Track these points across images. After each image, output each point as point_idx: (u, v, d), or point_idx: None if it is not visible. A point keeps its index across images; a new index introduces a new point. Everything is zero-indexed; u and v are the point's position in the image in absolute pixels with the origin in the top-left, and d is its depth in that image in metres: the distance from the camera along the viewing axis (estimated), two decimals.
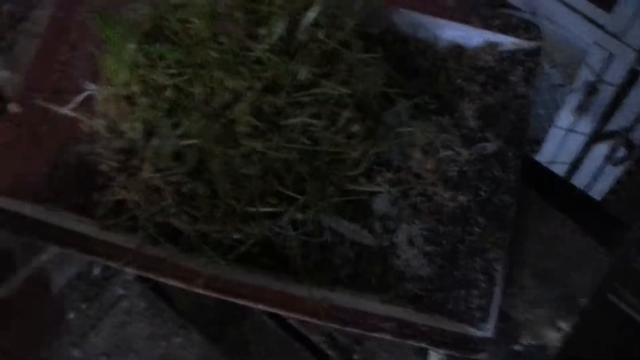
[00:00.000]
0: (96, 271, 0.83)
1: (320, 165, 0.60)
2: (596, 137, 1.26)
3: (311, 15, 0.62)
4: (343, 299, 0.61)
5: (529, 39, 0.68)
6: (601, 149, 1.26)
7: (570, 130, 1.26)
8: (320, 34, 0.62)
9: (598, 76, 1.18)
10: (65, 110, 0.67)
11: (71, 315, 0.75)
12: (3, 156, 0.66)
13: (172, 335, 0.72)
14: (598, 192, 1.30)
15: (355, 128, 0.60)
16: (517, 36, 0.68)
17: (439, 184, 0.65)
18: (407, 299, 0.62)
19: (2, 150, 0.66)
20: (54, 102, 0.67)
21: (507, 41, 0.69)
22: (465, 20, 0.69)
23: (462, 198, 0.65)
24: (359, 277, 0.63)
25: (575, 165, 1.31)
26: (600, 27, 1.12)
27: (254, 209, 0.59)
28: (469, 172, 0.66)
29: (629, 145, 1.21)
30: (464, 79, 0.69)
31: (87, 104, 0.67)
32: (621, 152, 1.23)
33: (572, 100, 1.23)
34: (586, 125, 1.24)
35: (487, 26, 0.69)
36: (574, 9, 1.13)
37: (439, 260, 0.63)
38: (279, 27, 0.61)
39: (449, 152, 0.66)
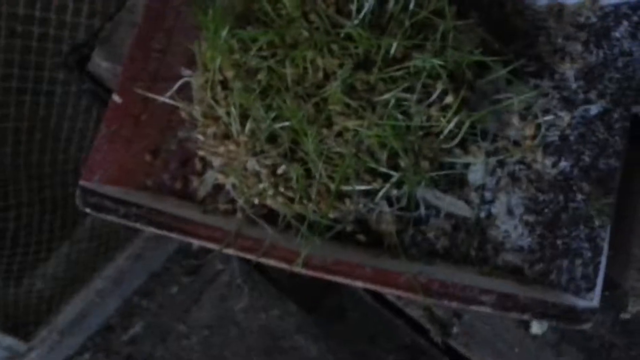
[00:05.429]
0: (195, 245, 0.85)
1: (414, 139, 0.59)
2: None
3: None
4: (440, 272, 0.61)
5: None
6: None
7: None
8: (412, 4, 0.60)
9: None
10: (164, 98, 0.69)
11: (174, 289, 0.78)
12: (108, 146, 0.69)
13: (270, 307, 0.73)
14: None
15: (449, 99, 0.59)
16: None
17: (538, 151, 0.63)
18: (507, 271, 0.61)
19: (107, 141, 0.69)
20: (153, 91, 0.70)
21: None
22: None
23: (563, 164, 0.62)
24: (457, 250, 0.63)
25: None
26: None
27: (349, 188, 0.60)
28: (570, 136, 0.63)
29: None
30: (564, 38, 0.66)
31: (185, 91, 0.69)
32: None
33: None
34: None
35: None
36: None
37: (540, 230, 0.61)
38: (368, 1, 0.60)
39: (549, 117, 0.63)
